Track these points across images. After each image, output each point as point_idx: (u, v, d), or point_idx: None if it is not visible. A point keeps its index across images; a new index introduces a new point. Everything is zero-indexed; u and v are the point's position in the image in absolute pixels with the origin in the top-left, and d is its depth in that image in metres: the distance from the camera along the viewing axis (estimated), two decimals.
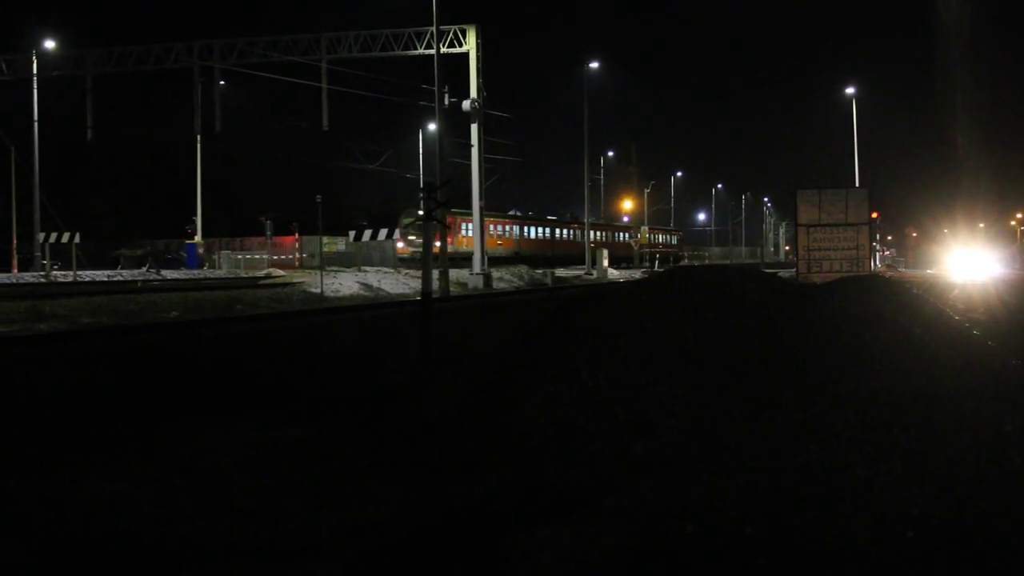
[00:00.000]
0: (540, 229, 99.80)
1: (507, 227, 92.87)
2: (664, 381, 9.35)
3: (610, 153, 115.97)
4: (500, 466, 8.30)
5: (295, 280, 44.86)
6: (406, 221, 73.71)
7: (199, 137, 69.49)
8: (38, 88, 62.07)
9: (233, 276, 57.70)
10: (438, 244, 69.08)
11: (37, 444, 10.05)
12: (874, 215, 48.72)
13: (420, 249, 65.19)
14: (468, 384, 10.87)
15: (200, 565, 6.21)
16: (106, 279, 51.24)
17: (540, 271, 64.28)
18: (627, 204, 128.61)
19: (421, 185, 68.26)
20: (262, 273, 60.13)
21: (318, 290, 38.76)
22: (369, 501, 7.48)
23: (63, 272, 55.00)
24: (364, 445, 9.61)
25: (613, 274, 76.33)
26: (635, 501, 6.83)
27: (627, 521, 6.49)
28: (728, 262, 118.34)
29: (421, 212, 72.32)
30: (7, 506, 7.57)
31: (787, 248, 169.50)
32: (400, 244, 74.77)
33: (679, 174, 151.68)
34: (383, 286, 43.46)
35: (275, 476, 8.49)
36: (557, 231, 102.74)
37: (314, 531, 6.78)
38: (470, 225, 75.31)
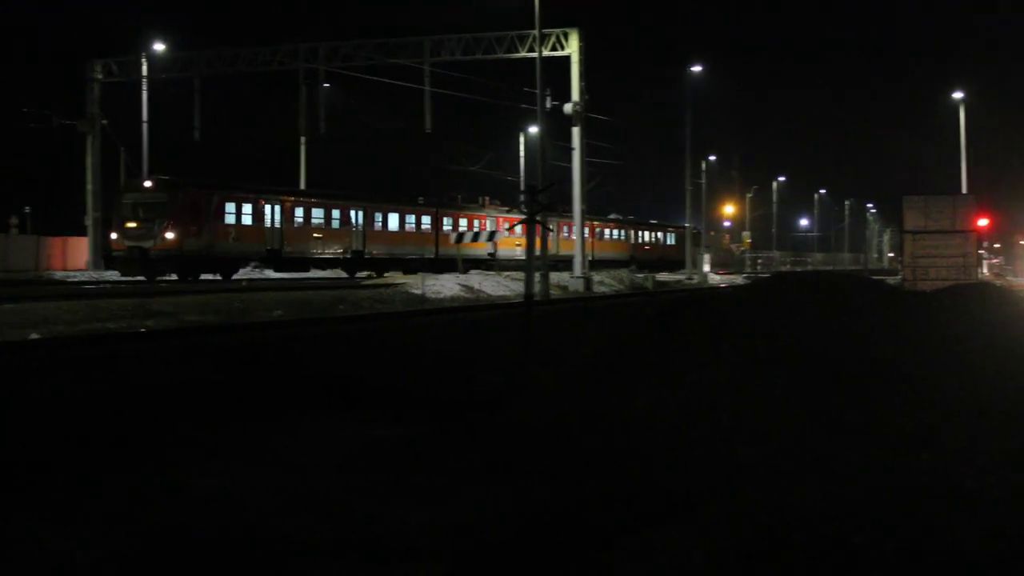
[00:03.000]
0: (643, 233, 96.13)
1: (609, 231, 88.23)
2: (770, 387, 9.25)
3: (711, 157, 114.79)
4: (603, 469, 8.26)
5: (397, 281, 45.17)
6: (126, 200, 52.18)
7: (303, 138, 70.19)
8: (148, 89, 63.24)
9: (336, 276, 58.17)
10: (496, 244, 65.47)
11: (143, 438, 10.21)
12: (983, 222, 47.82)
13: (138, 243, 49.68)
14: (571, 387, 10.84)
15: (306, 560, 6.25)
16: (212, 278, 51.97)
17: (641, 275, 64.03)
18: (728, 209, 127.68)
19: (522, 188, 68.00)
20: (364, 274, 60.40)
21: (420, 291, 38.98)
22: (472, 501, 7.48)
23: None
24: (466, 445, 9.62)
25: (714, 278, 75.89)
26: (742, 507, 6.75)
27: (734, 527, 6.41)
28: (831, 268, 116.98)
29: (145, 186, 52.65)
30: (113, 498, 7.69)
31: (891, 255, 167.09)
32: (114, 235, 52.42)
33: (781, 179, 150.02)
34: (483, 288, 43.59)
35: (377, 474, 8.53)
36: (658, 235, 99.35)
37: (417, 530, 6.78)
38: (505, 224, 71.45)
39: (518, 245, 67.67)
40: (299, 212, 58.61)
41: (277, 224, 56.24)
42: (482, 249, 66.55)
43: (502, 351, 16.38)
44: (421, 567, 6.08)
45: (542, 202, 19.23)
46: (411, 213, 67.49)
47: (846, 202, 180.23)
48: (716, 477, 7.71)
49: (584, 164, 53.45)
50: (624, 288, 55.21)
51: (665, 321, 11.80)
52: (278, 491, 7.94)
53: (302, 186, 68.53)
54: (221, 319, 25.60)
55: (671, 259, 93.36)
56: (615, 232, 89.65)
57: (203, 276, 51.17)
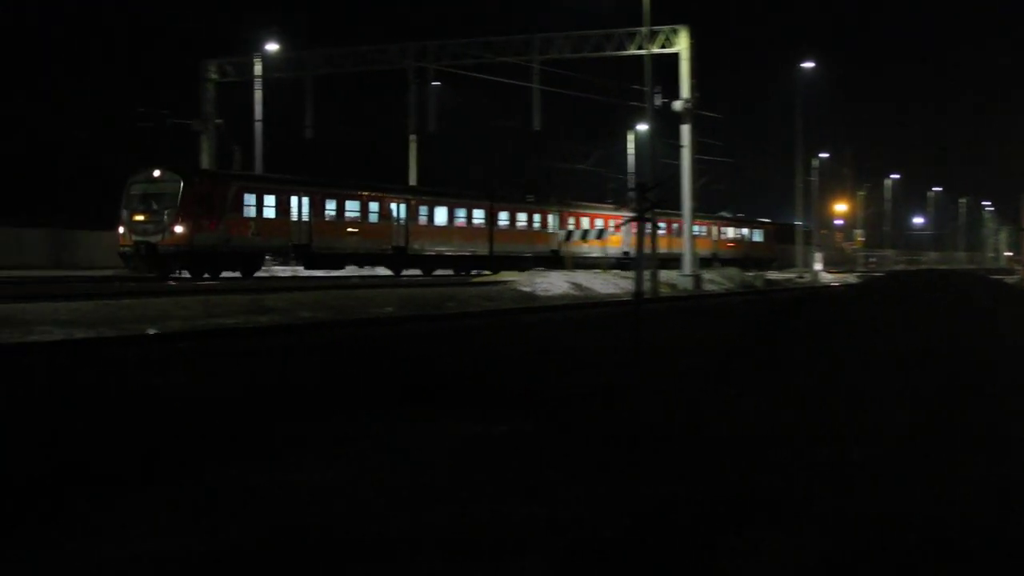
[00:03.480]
0: (727, 229, 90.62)
1: (708, 228, 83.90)
2: (884, 387, 9.13)
3: (823, 154, 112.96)
4: (710, 469, 8.20)
5: (506, 279, 45.35)
6: (134, 190, 47.65)
7: (412, 137, 70.57)
8: (262, 89, 64.20)
9: (445, 274, 58.48)
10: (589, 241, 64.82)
11: (253, 432, 10.35)
12: None
13: (146, 238, 45.53)
14: (680, 384, 10.80)
15: (412, 555, 6.30)
16: (323, 275, 52.56)
17: (751, 273, 63.50)
18: (840, 207, 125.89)
19: (632, 185, 67.74)
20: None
21: (529, 289, 39.12)
22: (575, 499, 7.46)
23: (282, 268, 56.31)
24: (573, 443, 9.61)
25: (826, 277, 75.01)
26: (853, 509, 6.67)
27: (844, 529, 6.34)
28: (946, 267, 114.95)
29: (154, 175, 48.50)
30: (221, 492, 7.80)
31: (1008, 254, 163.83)
32: (121, 229, 47.73)
33: (895, 176, 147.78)
34: (592, 286, 43.59)
35: (482, 471, 8.55)
36: (743, 231, 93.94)
37: (525, 526, 6.79)
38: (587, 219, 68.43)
39: (584, 242, 66.18)
40: (330, 205, 54.26)
41: (305, 217, 52.54)
42: (545, 246, 65.13)
43: (612, 349, 16.35)
44: (527, 562, 6.10)
45: (652, 200, 19.17)
46: (461, 207, 62.46)
47: (961, 200, 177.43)
48: (826, 477, 7.62)
49: (694, 162, 53.20)
50: (734, 287, 54.85)
51: (777, 319, 11.70)
52: (385, 486, 7.99)
53: (411, 183, 68.61)
54: (334, 315, 25.92)
55: (757, 256, 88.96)
56: (713, 229, 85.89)
57: (223, 273, 47.69)
